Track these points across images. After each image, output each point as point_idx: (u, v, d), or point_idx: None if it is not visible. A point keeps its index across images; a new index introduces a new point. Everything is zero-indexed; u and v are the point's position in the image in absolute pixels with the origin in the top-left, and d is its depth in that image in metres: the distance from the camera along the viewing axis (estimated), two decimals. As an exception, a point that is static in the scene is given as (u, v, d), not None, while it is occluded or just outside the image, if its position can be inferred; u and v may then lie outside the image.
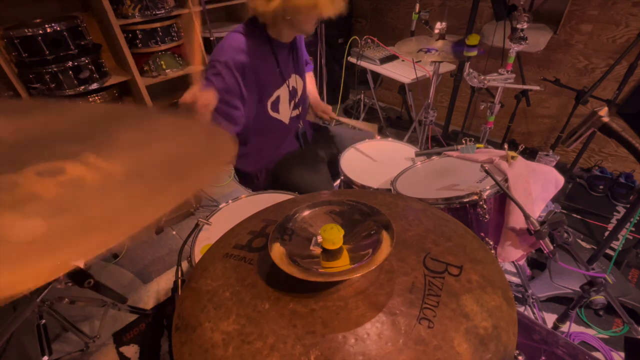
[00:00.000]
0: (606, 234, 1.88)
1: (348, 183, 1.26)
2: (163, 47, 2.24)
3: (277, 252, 0.50)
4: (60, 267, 0.25)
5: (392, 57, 2.50)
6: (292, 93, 1.39)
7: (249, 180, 1.52)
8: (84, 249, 0.26)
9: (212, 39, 2.24)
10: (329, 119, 1.58)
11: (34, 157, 0.33)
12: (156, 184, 0.34)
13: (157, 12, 2.13)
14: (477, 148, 1.16)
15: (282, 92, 1.35)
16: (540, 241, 0.83)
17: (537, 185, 1.02)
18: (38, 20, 1.91)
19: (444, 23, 1.70)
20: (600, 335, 1.42)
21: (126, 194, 0.32)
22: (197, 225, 1.03)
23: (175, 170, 0.36)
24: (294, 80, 1.38)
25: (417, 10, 1.85)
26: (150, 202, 0.31)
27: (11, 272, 0.24)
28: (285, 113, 1.40)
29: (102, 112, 0.47)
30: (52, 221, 0.27)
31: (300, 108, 1.46)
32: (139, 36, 2.15)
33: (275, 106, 1.36)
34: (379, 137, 1.52)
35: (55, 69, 1.88)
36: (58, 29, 1.85)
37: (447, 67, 2.40)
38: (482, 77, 1.47)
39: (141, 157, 0.36)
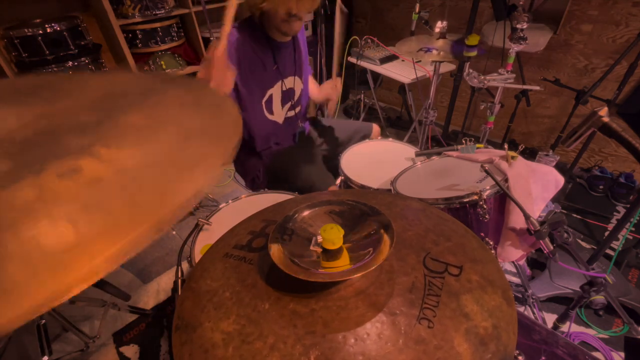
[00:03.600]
0: (606, 234, 1.88)
1: (348, 183, 1.26)
2: (163, 47, 2.24)
3: (277, 252, 0.50)
4: (97, 271, 0.25)
5: (392, 57, 2.50)
6: (287, 93, 1.38)
7: (250, 180, 1.52)
8: (115, 252, 0.26)
9: (212, 39, 2.25)
10: (333, 112, 1.54)
11: (48, 155, 0.33)
12: (170, 175, 0.34)
13: (157, 12, 2.13)
14: (477, 148, 1.16)
15: (275, 92, 1.34)
16: (540, 241, 0.83)
17: (537, 185, 1.02)
18: (38, 20, 1.91)
19: (444, 22, 1.70)
20: (600, 335, 1.42)
21: (143, 190, 0.32)
22: (197, 225, 1.03)
23: (186, 160, 0.36)
24: (291, 81, 1.37)
25: (417, 10, 1.85)
26: (166, 195, 0.31)
27: (53, 282, 0.24)
28: (278, 113, 1.40)
29: (101, 91, 0.47)
30: (81, 226, 0.27)
31: (297, 109, 1.46)
32: (139, 36, 2.15)
33: (269, 106, 1.36)
34: (379, 138, 1.52)
35: (55, 69, 1.88)
36: (58, 29, 1.85)
37: (447, 67, 2.40)
38: (482, 77, 1.47)
39: (150, 147, 0.36)
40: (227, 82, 0.99)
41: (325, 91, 1.50)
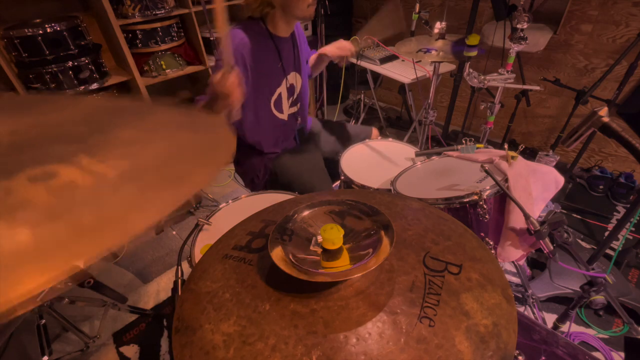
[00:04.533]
0: (606, 234, 1.88)
1: (348, 183, 1.26)
2: (163, 47, 2.24)
3: (277, 252, 0.50)
4: (50, 278, 0.24)
5: (392, 57, 2.49)
6: (290, 90, 1.39)
7: (249, 179, 1.52)
8: (72, 257, 0.25)
9: (212, 39, 2.25)
10: (354, 53, 1.46)
11: (28, 161, 0.32)
12: (151, 190, 0.33)
13: (157, 12, 2.13)
14: (477, 148, 1.16)
15: (283, 90, 1.35)
16: (540, 241, 0.83)
17: (537, 185, 1.02)
18: (38, 20, 1.91)
19: (443, 23, 1.70)
20: (600, 335, 1.42)
21: (120, 200, 0.31)
22: (197, 225, 1.03)
23: (172, 174, 0.35)
24: (293, 77, 1.37)
25: (417, 10, 1.85)
26: (144, 208, 0.31)
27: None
28: (285, 111, 1.41)
29: (98, 108, 0.47)
30: (41, 229, 0.27)
31: (298, 105, 1.46)
32: (139, 36, 2.15)
33: (279, 105, 1.37)
34: (379, 138, 1.52)
35: (55, 69, 1.88)
36: (58, 29, 1.85)
37: (447, 67, 2.40)
38: (482, 77, 1.47)
39: (137, 159, 0.35)
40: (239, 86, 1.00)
41: (341, 45, 1.44)
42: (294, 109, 1.45)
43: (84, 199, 0.30)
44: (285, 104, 1.39)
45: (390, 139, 1.52)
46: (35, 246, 0.26)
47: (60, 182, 0.31)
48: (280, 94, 1.34)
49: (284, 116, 1.41)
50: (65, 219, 0.28)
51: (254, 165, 1.46)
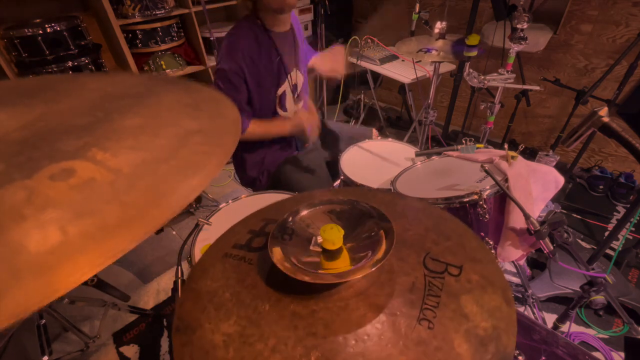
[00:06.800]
0: (606, 234, 1.88)
1: (348, 183, 1.26)
2: (163, 47, 2.24)
3: (278, 253, 0.50)
4: (80, 275, 0.25)
5: (392, 57, 2.49)
6: (293, 88, 1.38)
7: (251, 181, 1.51)
8: (101, 255, 0.26)
9: (212, 39, 2.24)
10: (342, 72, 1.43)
11: (42, 158, 0.33)
12: (166, 182, 0.33)
13: (157, 12, 2.13)
14: (477, 148, 1.16)
15: (287, 88, 1.34)
16: (540, 241, 0.83)
17: (537, 185, 1.02)
18: (38, 20, 1.91)
19: (444, 22, 1.70)
20: (600, 335, 1.42)
21: (138, 195, 0.31)
22: (197, 225, 1.03)
23: (183, 165, 0.35)
24: (295, 74, 1.36)
25: (417, 10, 1.84)
26: (162, 202, 0.31)
27: (34, 284, 0.24)
28: (291, 110, 1.40)
29: (98, 93, 0.47)
30: (69, 228, 0.27)
31: (300, 104, 1.45)
32: (139, 36, 2.15)
33: (283, 104, 1.36)
34: (379, 138, 1.52)
35: (55, 69, 1.88)
36: (58, 29, 1.85)
37: (447, 67, 2.40)
38: (482, 77, 1.47)
39: (148, 151, 0.36)
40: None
41: (334, 67, 1.41)
42: (298, 107, 1.44)
43: (105, 195, 0.31)
44: (291, 102, 1.38)
45: (390, 139, 1.52)
46: (65, 245, 0.26)
47: (79, 179, 0.31)
48: (284, 92, 1.33)
49: (289, 115, 1.39)
50: (91, 217, 0.29)
51: (257, 170, 1.46)
